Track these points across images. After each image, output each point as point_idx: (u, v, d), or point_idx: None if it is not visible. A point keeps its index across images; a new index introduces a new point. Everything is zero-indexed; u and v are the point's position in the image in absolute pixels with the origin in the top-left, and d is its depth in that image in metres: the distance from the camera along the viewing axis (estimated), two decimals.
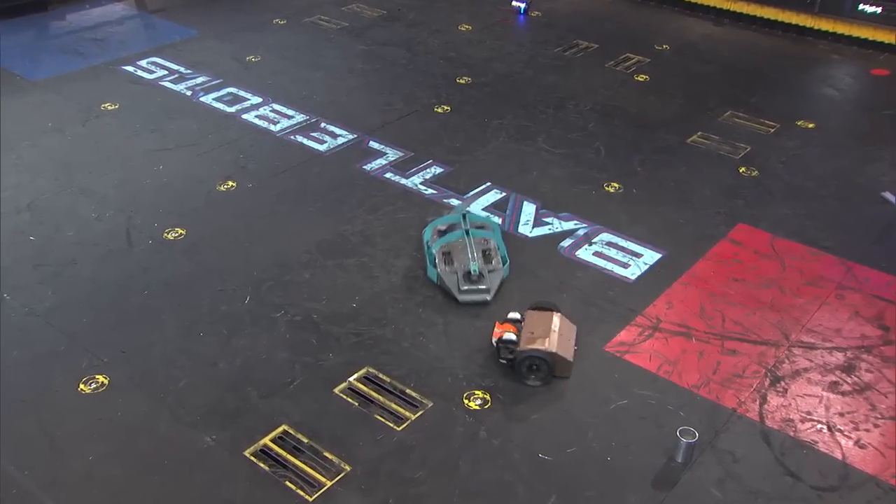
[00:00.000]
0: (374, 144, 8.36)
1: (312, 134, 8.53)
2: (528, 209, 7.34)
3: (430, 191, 7.60)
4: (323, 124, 8.72)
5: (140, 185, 7.53)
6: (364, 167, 7.96)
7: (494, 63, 10.40)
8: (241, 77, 9.71)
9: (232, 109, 8.98)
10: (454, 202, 7.40)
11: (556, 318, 5.56)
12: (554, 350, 5.30)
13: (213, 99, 9.19)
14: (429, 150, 8.26)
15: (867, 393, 5.44)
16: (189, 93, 9.32)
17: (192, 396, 5.31)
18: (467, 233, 6.41)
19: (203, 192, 7.46)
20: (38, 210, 7.11)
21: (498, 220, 7.10)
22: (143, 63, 9.99)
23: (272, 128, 8.64)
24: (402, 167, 7.96)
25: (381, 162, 8.06)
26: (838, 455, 4.99)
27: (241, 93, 9.33)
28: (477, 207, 7.32)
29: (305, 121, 8.78)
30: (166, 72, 9.79)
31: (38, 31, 11.14)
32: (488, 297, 6.05)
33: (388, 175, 7.85)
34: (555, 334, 5.42)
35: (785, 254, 6.80)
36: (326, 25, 11.44)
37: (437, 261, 6.21)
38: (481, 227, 6.58)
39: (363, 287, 6.34)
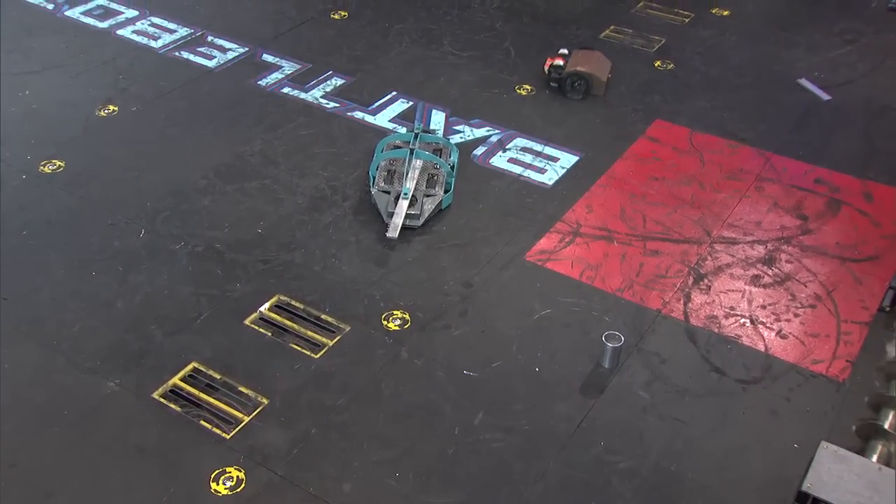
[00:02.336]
0: (267, 57, 8.06)
1: (199, 49, 8.14)
2: (438, 117, 7.27)
3: (332, 104, 7.42)
4: (210, 38, 8.32)
5: (4, 115, 7.07)
6: (259, 83, 7.69)
7: None
8: None
9: (104, 25, 8.45)
10: (358, 115, 7.26)
11: (597, 54, 7.58)
12: (592, 72, 7.34)
13: (81, 13, 8.61)
14: (328, 61, 8.02)
15: (787, 283, 5.75)
16: (51, 6, 8.70)
17: (89, 340, 5.16)
18: (412, 153, 6.33)
19: (81, 119, 7.07)
20: None
21: (455, 140, 6.92)
22: None
23: (153, 44, 8.19)
24: (300, 80, 7.73)
25: (276, 76, 7.79)
26: (761, 347, 5.28)
27: (114, 5, 8.77)
28: (383, 119, 7.21)
29: (190, 35, 8.36)
30: None
31: None
32: (418, 223, 6.02)
33: (285, 90, 7.60)
34: (594, 62, 7.43)
35: (704, 148, 7.00)
36: None
37: (375, 179, 6.22)
38: (438, 151, 6.56)
39: (268, 211, 6.21)
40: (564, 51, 7.70)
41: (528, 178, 6.62)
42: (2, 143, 6.71)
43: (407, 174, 6.16)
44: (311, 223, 6.10)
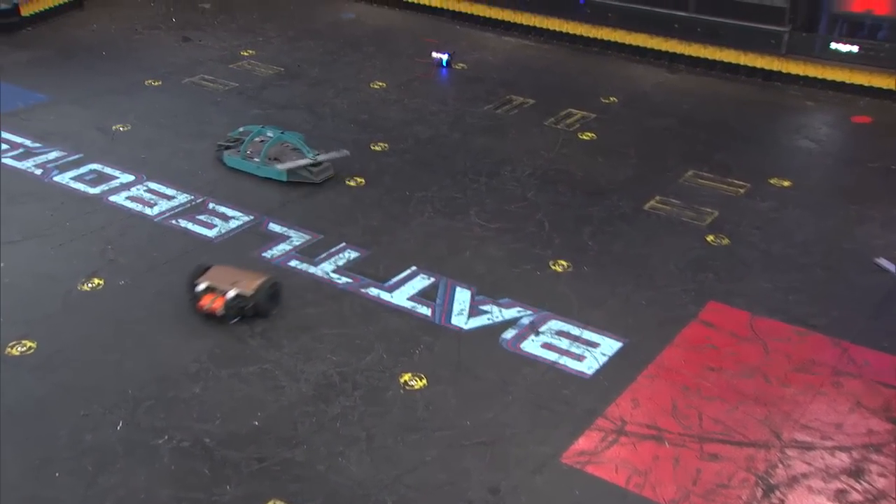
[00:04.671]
0: (274, 227, 8.48)
1: (199, 217, 8.60)
2: (462, 296, 7.51)
3: (344, 280, 7.72)
4: (211, 205, 8.81)
5: None
6: (264, 255, 8.05)
7: (415, 126, 10.76)
8: (107, 150, 9.77)
9: (96, 190, 9.00)
10: (373, 292, 7.53)
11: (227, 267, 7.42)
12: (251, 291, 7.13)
13: (72, 178, 9.20)
14: (341, 232, 8.41)
15: (882, 503, 5.64)
16: (39, 171, 9.31)
17: None
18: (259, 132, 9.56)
19: (59, 294, 7.39)
20: None
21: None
22: None
23: (148, 211, 8.68)
24: (309, 253, 8.08)
25: (284, 248, 8.16)
26: None
27: (108, 170, 9.38)
28: (401, 297, 7.46)
29: (189, 201, 8.86)
30: (7, 146, 9.77)
31: None
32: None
33: (292, 263, 7.94)
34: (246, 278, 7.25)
35: (767, 335, 7.12)
36: (212, 86, 11.66)
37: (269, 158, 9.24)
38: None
39: (266, 400, 6.33)
40: (202, 285, 7.21)
41: (565, 366, 6.74)
42: None
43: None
44: (316, 415, 6.20)
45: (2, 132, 10.03)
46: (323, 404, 6.30)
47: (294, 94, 11.55)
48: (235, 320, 7.09)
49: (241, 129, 9.88)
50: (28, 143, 9.85)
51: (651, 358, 6.83)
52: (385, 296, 7.51)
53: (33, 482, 5.62)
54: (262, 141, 9.56)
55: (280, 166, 9.22)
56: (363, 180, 9.37)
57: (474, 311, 7.32)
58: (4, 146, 9.77)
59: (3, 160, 9.48)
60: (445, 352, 6.82)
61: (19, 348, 6.74)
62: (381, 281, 7.69)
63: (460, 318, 7.23)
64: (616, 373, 6.68)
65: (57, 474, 5.68)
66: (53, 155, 9.61)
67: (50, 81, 11.54)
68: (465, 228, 8.53)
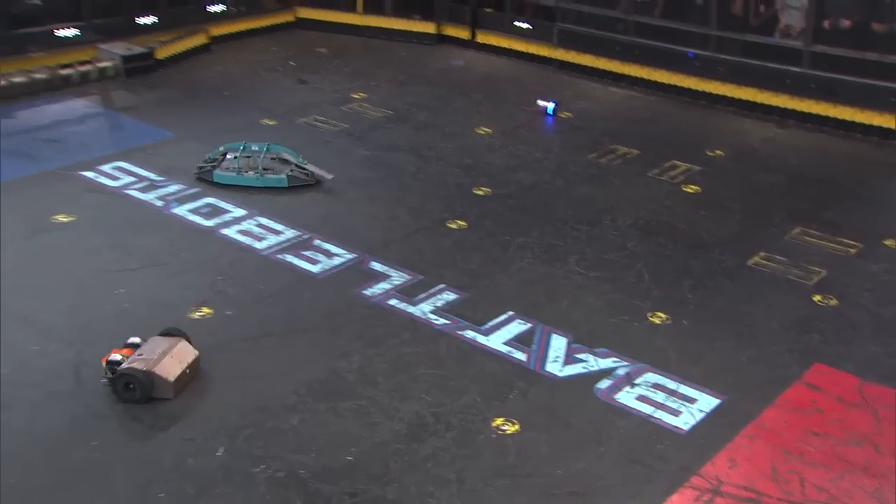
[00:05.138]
0: (375, 265, 8.59)
1: (304, 253, 8.78)
2: (558, 343, 7.44)
3: (441, 321, 7.74)
4: (316, 241, 8.99)
5: (95, 313, 7.72)
6: (364, 292, 8.15)
7: (518, 172, 10.79)
8: (222, 185, 10.09)
9: (210, 223, 9.30)
10: (469, 335, 7.52)
11: (180, 344, 6.86)
12: (150, 369, 6.54)
13: (189, 210, 9.53)
14: (440, 273, 8.46)
15: None
16: (160, 203, 9.68)
17: None
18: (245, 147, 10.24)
19: (171, 321, 7.59)
20: None
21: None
22: (107, 168, 10.42)
23: (257, 245, 8.91)
24: (408, 293, 8.14)
25: (384, 286, 8.25)
26: None
27: (222, 204, 9.69)
28: (497, 341, 7.43)
29: (296, 237, 9.06)
30: (134, 178, 10.20)
31: None
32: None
33: (392, 302, 8.01)
34: (165, 357, 6.66)
35: (878, 402, 6.81)
36: (323, 127, 11.96)
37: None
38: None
39: (361, 436, 6.37)
40: (135, 339, 7.00)
41: (660, 420, 6.58)
42: (88, 343, 7.26)
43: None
44: (408, 454, 6.19)
45: (131, 166, 10.48)
46: (415, 444, 6.30)
47: (401, 136, 11.75)
48: (104, 381, 6.74)
49: (220, 149, 10.32)
50: (152, 176, 10.27)
51: (751, 418, 6.61)
52: (481, 339, 7.50)
53: (139, 501, 5.77)
54: (248, 157, 10.17)
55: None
56: (465, 223, 9.42)
57: (570, 359, 7.23)
58: (131, 178, 10.20)
59: (130, 192, 9.89)
60: (539, 398, 6.75)
61: None
62: (478, 324, 7.68)
63: (555, 366, 7.15)
64: (713, 430, 6.48)
65: (161, 495, 5.82)
66: (173, 188, 9.99)
67: (176, 119, 12.04)
68: (564, 276, 8.47)
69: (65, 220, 9.22)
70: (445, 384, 6.93)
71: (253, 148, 10.25)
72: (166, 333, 7.05)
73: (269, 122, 12.03)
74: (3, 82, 12.41)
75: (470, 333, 7.56)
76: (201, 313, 7.75)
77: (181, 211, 9.52)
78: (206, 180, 10.10)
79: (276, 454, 6.17)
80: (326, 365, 7.13)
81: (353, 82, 13.74)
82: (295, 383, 6.90)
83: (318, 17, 16.30)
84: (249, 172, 10.08)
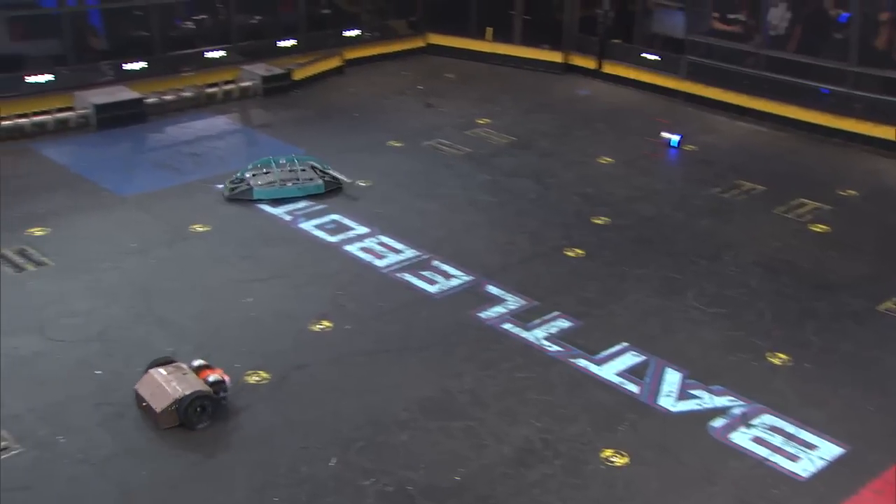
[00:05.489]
0: (492, 289, 8.62)
1: (422, 272, 8.90)
2: (672, 378, 7.28)
3: (554, 348, 7.70)
4: (435, 262, 9.10)
5: (223, 319, 8.02)
6: (479, 314, 8.19)
7: (639, 203, 10.66)
8: (348, 203, 10.36)
9: (334, 239, 9.54)
10: (582, 363, 7.46)
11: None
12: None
13: (315, 226, 9.81)
14: (556, 300, 8.43)
15: None
16: (289, 217, 10.00)
17: None
18: (273, 162, 10.61)
19: (293, 332, 7.85)
20: (109, 340, 7.65)
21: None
22: None
23: (377, 262, 9.09)
24: (523, 317, 8.14)
25: (498, 310, 8.27)
26: None
27: (346, 221, 9.93)
28: (609, 371, 7.34)
29: (416, 257, 9.20)
30: None
31: (134, 143, 12.36)
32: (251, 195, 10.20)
33: (506, 326, 8.03)
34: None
35: None
36: (447, 150, 12.13)
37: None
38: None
39: (469, 457, 6.39)
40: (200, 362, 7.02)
41: (776, 464, 6.35)
42: (216, 348, 7.55)
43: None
44: (515, 478, 6.17)
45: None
46: (523, 468, 6.27)
47: (523, 163, 11.79)
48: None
49: (249, 167, 10.62)
50: None
51: (879, 471, 6.28)
52: (594, 368, 7.42)
53: (255, 503, 5.94)
54: (290, 168, 10.56)
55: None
56: (582, 252, 9.36)
57: (684, 395, 7.07)
58: None
59: (261, 206, 10.26)
60: (650, 432, 6.62)
61: (255, 378, 7.20)
62: (592, 353, 7.60)
63: (668, 400, 7.01)
64: (835, 481, 6.20)
65: (275, 499, 5.98)
66: (302, 203, 10.30)
67: (308, 138, 12.43)
68: (681, 310, 8.30)
69: (201, 229, 9.64)
70: (555, 411, 6.88)
71: (281, 161, 10.63)
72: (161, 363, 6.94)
73: (395, 144, 12.28)
74: (157, 99, 13.11)
75: (582, 362, 7.50)
76: (321, 326, 7.95)
77: (308, 226, 9.81)
78: (242, 200, 10.30)
79: (385, 468, 6.25)
80: (438, 384, 7.19)
81: (478, 108, 13.89)
82: (407, 400, 6.98)
83: (448, 43, 16.61)
84: (288, 184, 10.40)
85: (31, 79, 12.75)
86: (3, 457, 6.24)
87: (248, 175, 10.52)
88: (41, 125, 12.15)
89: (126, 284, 8.52)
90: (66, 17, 13.28)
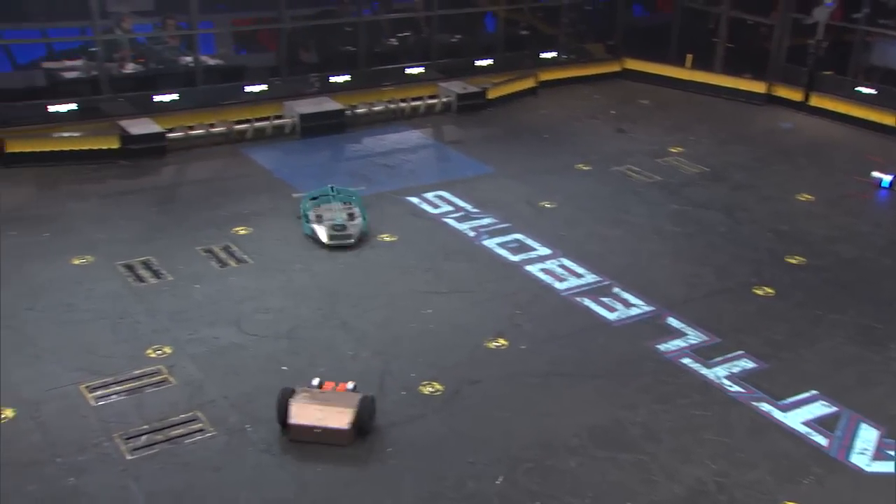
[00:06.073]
0: (672, 321, 8.33)
1: (602, 299, 8.73)
2: (868, 434, 6.75)
3: (735, 388, 7.34)
4: (616, 289, 8.90)
5: (403, 328, 8.16)
6: (657, 346, 7.93)
7: (839, 244, 10.01)
8: (532, 224, 10.32)
9: (516, 258, 9.52)
10: (765, 408, 7.06)
11: (344, 407, 6.70)
12: (289, 401, 6.75)
13: (498, 244, 9.83)
14: (740, 339, 8.04)
15: None
16: (472, 234, 10.08)
17: None
18: (333, 197, 10.09)
19: (469, 347, 7.88)
20: (297, 339, 7.95)
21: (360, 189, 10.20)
22: (429, 196, 11.04)
23: (557, 285, 8.99)
24: (704, 354, 7.81)
25: (678, 343, 7.98)
26: None
27: (529, 241, 9.89)
28: (795, 419, 6.91)
29: (597, 283, 9.03)
30: (452, 208, 10.72)
31: (332, 152, 12.87)
32: (352, 241, 9.58)
33: (685, 360, 7.73)
34: (316, 405, 6.71)
35: None
36: (636, 177, 11.87)
37: (311, 219, 9.78)
38: (347, 196, 10.20)
39: (638, 491, 6.17)
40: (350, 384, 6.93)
41: None
42: (394, 356, 7.70)
43: (335, 211, 9.82)
44: None
45: (451, 195, 11.05)
46: None
47: (714, 195, 11.35)
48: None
49: (312, 201, 10.12)
50: (469, 207, 10.73)
51: None
52: (778, 414, 7.01)
53: None
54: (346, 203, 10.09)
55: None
56: (772, 291, 8.88)
57: (880, 454, 6.53)
58: (449, 207, 10.73)
59: (447, 220, 10.40)
60: (838, 490, 6.17)
61: (429, 388, 7.27)
62: (777, 398, 7.18)
63: (861, 458, 6.50)
64: None
65: None
66: (486, 221, 10.36)
67: (497, 156, 12.51)
68: (882, 362, 7.70)
69: (388, 239, 9.88)
70: (733, 455, 6.54)
71: (334, 193, 10.21)
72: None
73: (584, 167, 12.14)
74: (355, 112, 13.63)
75: (766, 406, 7.09)
76: (497, 343, 7.93)
77: (490, 243, 9.84)
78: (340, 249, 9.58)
79: (551, 493, 6.14)
80: (611, 413, 7.01)
81: (671, 136, 13.53)
82: (577, 426, 6.84)
83: (645, 69, 16.28)
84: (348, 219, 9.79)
85: (249, 88, 13.59)
86: (198, 438, 6.62)
87: (311, 214, 9.88)
88: (260, 130, 12.89)
89: (315, 287, 8.84)
90: (283, 33, 14.03)
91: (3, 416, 6.75)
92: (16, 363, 7.38)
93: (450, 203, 10.86)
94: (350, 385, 6.89)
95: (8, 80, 12.76)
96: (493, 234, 10.07)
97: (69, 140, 11.84)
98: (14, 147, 11.55)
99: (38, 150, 11.65)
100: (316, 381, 6.94)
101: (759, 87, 15.19)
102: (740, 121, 14.41)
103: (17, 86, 12.66)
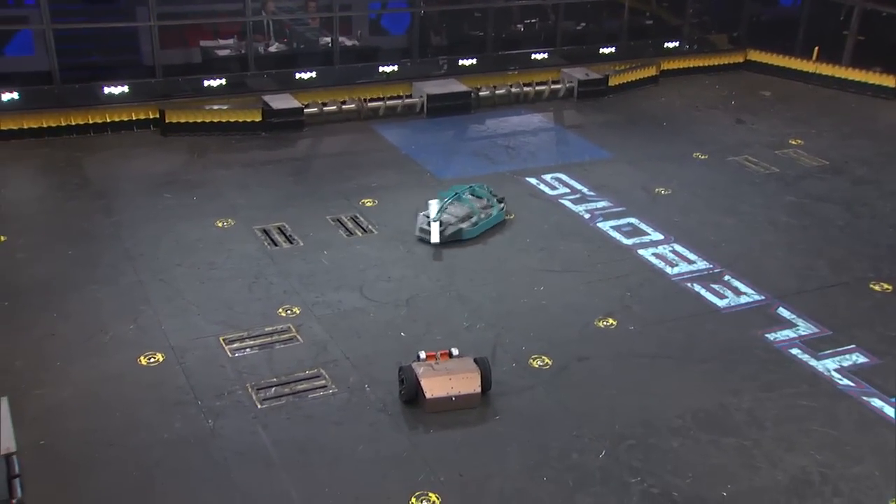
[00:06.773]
0: (783, 312, 8.05)
1: (713, 286, 8.51)
2: None
3: (845, 381, 7.05)
4: (727, 277, 8.65)
5: (516, 304, 8.17)
6: (766, 335, 7.69)
7: None
8: (646, 209, 10.12)
9: (629, 242, 9.38)
10: (876, 403, 6.75)
11: (469, 374, 6.76)
12: (420, 378, 6.69)
13: (611, 227, 9.70)
14: (853, 333, 7.70)
15: None
16: (587, 216, 9.96)
17: None
18: (457, 196, 9.57)
19: (579, 325, 7.83)
20: (415, 307, 8.07)
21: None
22: (547, 178, 10.97)
23: (668, 270, 8.81)
24: (814, 345, 7.53)
25: (788, 334, 7.71)
26: None
27: (643, 226, 9.72)
28: None
29: (707, 270, 8.81)
30: (568, 190, 10.62)
31: (457, 132, 12.92)
32: (430, 241, 9.07)
33: (794, 351, 7.47)
34: (444, 375, 6.70)
35: None
36: (753, 168, 11.46)
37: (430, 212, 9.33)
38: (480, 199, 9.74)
39: (739, 476, 6.03)
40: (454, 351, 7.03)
41: None
42: (506, 329, 7.72)
43: (439, 208, 9.27)
44: None
45: (568, 178, 10.95)
46: (797, 499, 5.81)
47: (833, 188, 10.85)
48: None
49: (437, 209, 9.34)
50: (585, 190, 10.61)
51: None
52: (889, 411, 6.71)
53: (526, 479, 6.04)
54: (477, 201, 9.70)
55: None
56: (890, 287, 8.47)
57: None
58: (566, 189, 10.64)
59: (563, 202, 10.32)
60: None
61: (539, 362, 7.28)
62: (889, 395, 6.87)
63: None
64: None
65: (544, 479, 6.03)
66: (602, 204, 10.23)
67: (615, 142, 12.30)
68: None
69: (506, 217, 9.86)
70: (839, 447, 6.30)
71: (464, 194, 9.68)
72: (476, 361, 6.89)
73: (701, 156, 11.80)
74: (484, 93, 13.65)
75: (877, 402, 6.79)
76: (606, 323, 7.85)
77: (604, 226, 9.71)
78: (454, 241, 9.20)
79: (652, 470, 6.07)
80: (715, 398, 6.85)
81: (792, 128, 12.98)
82: (681, 408, 6.72)
83: (769, 60, 15.64)
84: (482, 216, 9.45)
85: (382, 68, 13.79)
86: (321, 394, 6.84)
87: (437, 215, 9.26)
88: (392, 108, 13.08)
89: (435, 260, 8.94)
90: (415, 17, 14.15)
91: (156, 359, 7.17)
92: (167, 313, 7.79)
93: (567, 185, 10.76)
94: (455, 351, 6.96)
95: (170, 56, 13.32)
96: (607, 217, 9.93)
97: (218, 112, 12.31)
98: (172, 118, 12.10)
99: (192, 120, 12.16)
100: (423, 354, 6.97)
101: (888, 81, 14.36)
102: (866, 115, 13.69)
103: (178, 61, 13.21)
